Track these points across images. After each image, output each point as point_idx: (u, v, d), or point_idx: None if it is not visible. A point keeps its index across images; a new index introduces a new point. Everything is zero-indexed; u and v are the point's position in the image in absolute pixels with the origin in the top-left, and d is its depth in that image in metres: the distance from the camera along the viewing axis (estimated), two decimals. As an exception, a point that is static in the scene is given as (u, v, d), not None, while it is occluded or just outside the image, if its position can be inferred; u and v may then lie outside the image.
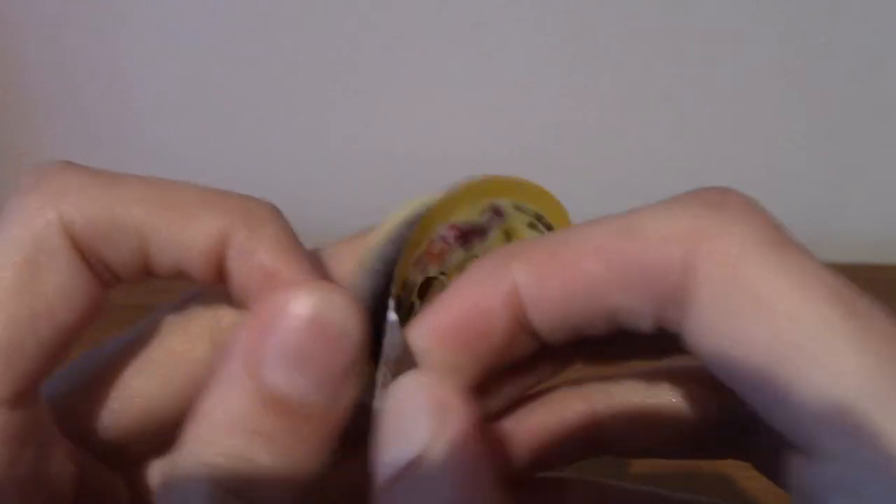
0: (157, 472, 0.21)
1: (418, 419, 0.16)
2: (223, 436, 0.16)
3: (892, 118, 0.51)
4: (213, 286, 0.18)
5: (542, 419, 0.20)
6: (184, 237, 0.17)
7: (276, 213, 0.18)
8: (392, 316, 0.18)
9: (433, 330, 0.17)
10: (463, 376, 0.17)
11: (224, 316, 0.19)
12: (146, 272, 0.18)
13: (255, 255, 0.17)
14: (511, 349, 0.18)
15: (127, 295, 0.21)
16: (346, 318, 0.16)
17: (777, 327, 0.14)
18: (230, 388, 0.16)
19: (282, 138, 0.54)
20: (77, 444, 0.19)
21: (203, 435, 0.16)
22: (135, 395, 0.19)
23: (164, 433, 0.18)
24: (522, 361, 0.19)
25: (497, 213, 0.20)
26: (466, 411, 0.16)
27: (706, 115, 0.51)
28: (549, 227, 0.21)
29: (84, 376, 0.19)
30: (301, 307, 0.16)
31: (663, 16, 0.48)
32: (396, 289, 0.19)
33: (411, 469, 0.15)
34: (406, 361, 0.18)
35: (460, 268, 0.20)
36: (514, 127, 0.52)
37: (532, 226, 0.20)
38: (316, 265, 0.18)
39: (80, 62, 0.53)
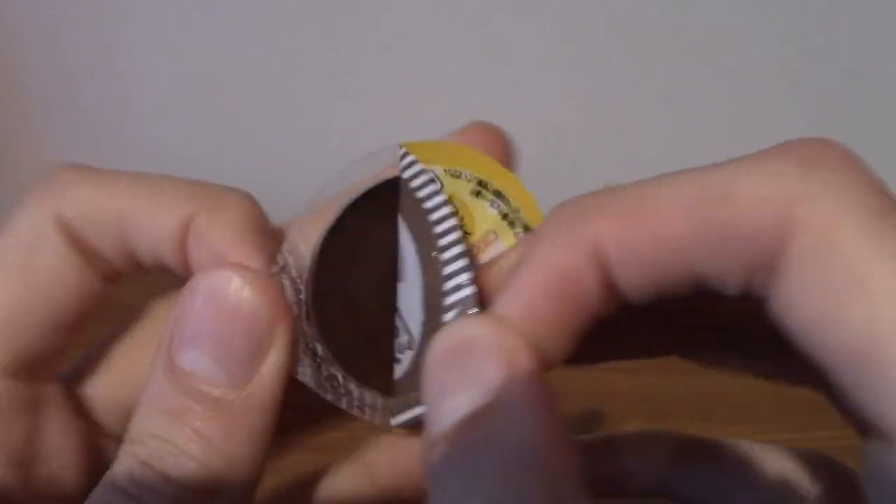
0: None
1: (488, 363, 0.15)
2: (146, 417, 0.16)
3: (893, 118, 0.51)
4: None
5: None
6: (155, 224, 0.18)
7: (242, 199, 0.19)
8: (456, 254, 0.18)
9: (520, 294, 0.16)
10: (550, 341, 0.16)
11: None
12: (133, 262, 0.19)
13: (208, 239, 0.18)
14: (595, 310, 0.17)
15: (127, 295, 0.21)
16: (245, 297, 0.16)
17: (875, 308, 0.14)
18: (152, 369, 0.17)
19: (282, 138, 0.54)
20: (93, 425, 0.20)
21: (136, 416, 0.17)
22: (132, 376, 0.20)
23: None
24: (609, 333, 0.18)
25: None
26: (535, 356, 0.16)
27: (706, 115, 0.51)
28: (499, 194, 0.19)
29: (90, 361, 0.21)
30: (201, 287, 0.16)
31: (663, 16, 0.48)
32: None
33: (483, 414, 0.15)
34: (460, 307, 0.18)
35: None
36: (514, 127, 0.52)
37: (478, 194, 0.19)
38: (270, 247, 0.19)
39: (80, 62, 0.53)
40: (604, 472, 0.22)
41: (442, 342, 0.16)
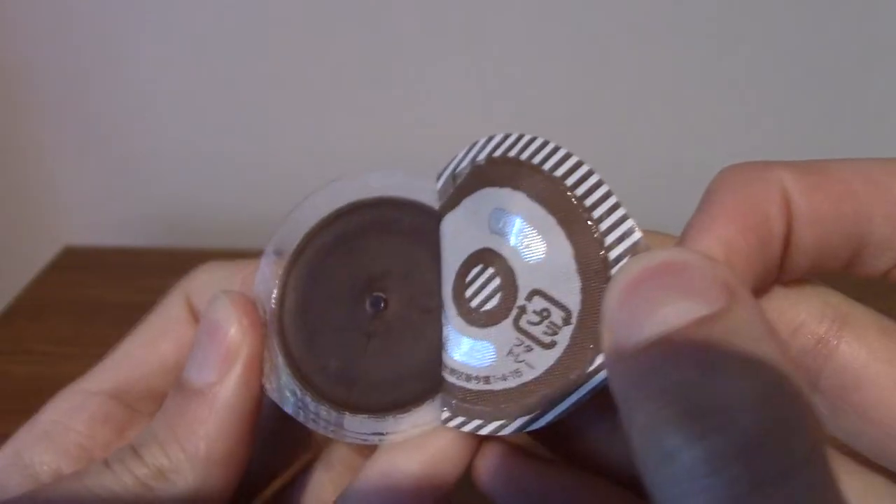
0: None
1: (703, 277, 0.14)
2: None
3: (893, 118, 0.51)
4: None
5: None
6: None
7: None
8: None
9: (714, 227, 0.16)
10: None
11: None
12: None
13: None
14: (771, 267, 0.17)
15: (126, 294, 0.21)
16: (220, 313, 0.20)
17: None
18: None
19: (282, 138, 0.54)
20: None
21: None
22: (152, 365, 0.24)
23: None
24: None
25: None
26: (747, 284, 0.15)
27: (706, 114, 0.51)
28: None
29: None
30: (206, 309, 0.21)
31: (663, 16, 0.48)
32: None
33: (712, 318, 0.14)
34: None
35: None
36: (514, 127, 0.52)
37: None
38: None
39: (84, 62, 0.53)
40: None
41: (642, 263, 0.15)
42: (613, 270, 0.17)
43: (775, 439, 0.13)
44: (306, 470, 0.24)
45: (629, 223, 0.17)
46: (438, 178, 0.20)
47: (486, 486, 0.20)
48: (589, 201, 0.18)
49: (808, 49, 0.49)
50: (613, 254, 0.17)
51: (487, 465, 0.20)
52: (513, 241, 0.19)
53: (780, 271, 0.17)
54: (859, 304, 0.18)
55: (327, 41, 0.50)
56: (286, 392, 0.20)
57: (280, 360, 0.20)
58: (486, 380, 0.18)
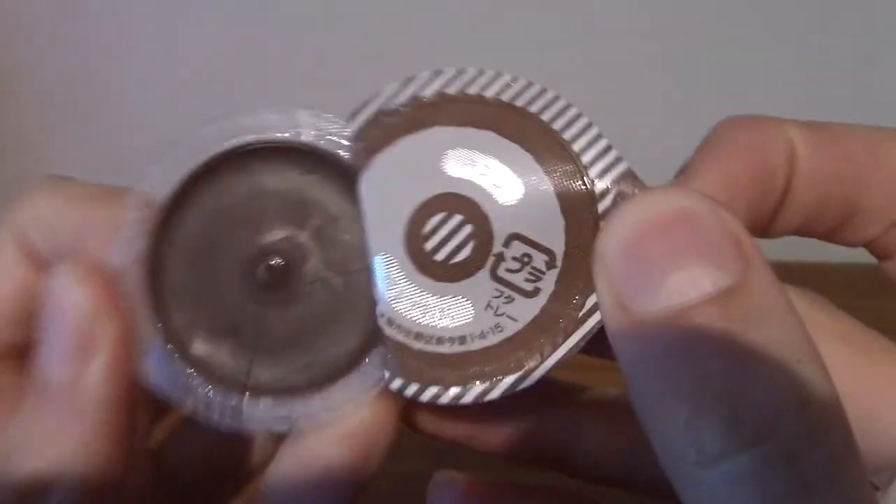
0: None
1: (723, 240, 0.13)
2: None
3: (893, 118, 0.51)
4: None
5: None
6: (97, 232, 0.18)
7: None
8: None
9: (718, 171, 0.16)
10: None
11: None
12: None
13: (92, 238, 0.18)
14: (766, 220, 0.17)
15: None
16: (68, 294, 0.16)
17: None
18: None
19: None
20: None
21: None
22: None
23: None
24: None
25: None
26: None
27: (706, 114, 0.51)
28: None
29: None
30: (46, 285, 0.17)
31: (663, 15, 0.48)
32: None
33: (736, 292, 0.13)
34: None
35: None
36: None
37: None
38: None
39: (81, 62, 0.53)
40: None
41: (648, 209, 0.14)
42: (601, 205, 0.17)
43: (819, 441, 0.12)
44: None
45: (613, 153, 0.17)
46: (352, 117, 0.18)
47: None
48: (568, 134, 0.17)
49: (809, 49, 0.49)
50: (600, 186, 0.17)
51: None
52: (484, 182, 0.17)
53: (764, 230, 0.17)
54: (829, 307, 0.17)
55: (326, 43, 0.50)
56: (169, 378, 0.17)
57: (158, 339, 0.17)
58: (462, 340, 0.17)
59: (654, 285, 0.13)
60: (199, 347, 0.18)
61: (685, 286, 0.13)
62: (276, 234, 0.18)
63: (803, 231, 0.17)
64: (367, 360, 0.17)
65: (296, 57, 0.52)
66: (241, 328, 0.18)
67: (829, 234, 0.17)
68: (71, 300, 0.16)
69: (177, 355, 0.17)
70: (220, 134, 0.18)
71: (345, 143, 0.18)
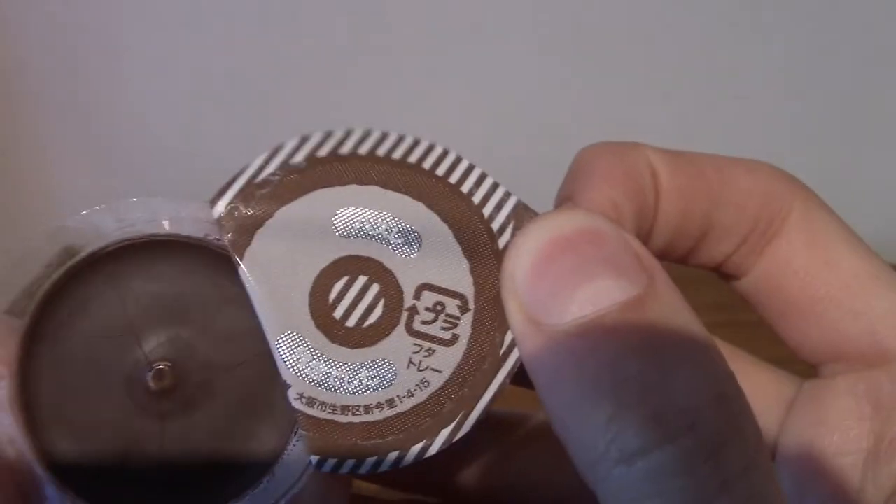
0: None
1: (625, 253, 0.14)
2: None
3: (892, 118, 0.51)
4: None
5: None
6: None
7: None
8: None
9: (601, 192, 0.16)
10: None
11: None
12: None
13: None
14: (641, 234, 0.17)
15: None
16: None
17: (859, 258, 0.18)
18: None
19: (284, 138, 0.54)
20: None
21: None
22: None
23: None
24: None
25: None
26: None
27: (706, 115, 0.51)
28: None
29: None
30: None
31: (663, 16, 0.48)
32: None
33: (641, 302, 0.14)
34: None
35: None
36: (513, 127, 0.52)
37: None
38: None
39: (81, 62, 0.53)
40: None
41: (552, 230, 0.14)
42: (501, 240, 0.16)
43: (736, 434, 0.13)
44: None
45: (502, 189, 0.17)
46: (220, 195, 0.17)
47: None
48: (453, 178, 0.17)
49: (808, 49, 0.49)
50: (496, 223, 0.17)
51: None
52: (380, 238, 0.17)
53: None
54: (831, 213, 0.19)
55: (326, 43, 0.50)
56: None
57: (40, 471, 0.15)
58: (391, 403, 0.16)
59: (566, 298, 0.14)
60: (92, 475, 0.16)
61: (597, 296, 0.14)
62: (157, 338, 0.16)
63: (667, 253, 0.18)
64: (289, 449, 0.16)
65: (297, 59, 0.52)
66: (140, 447, 0.16)
67: (688, 256, 0.18)
68: None
69: (64, 486, 0.15)
70: (78, 236, 0.16)
71: (212, 224, 0.17)
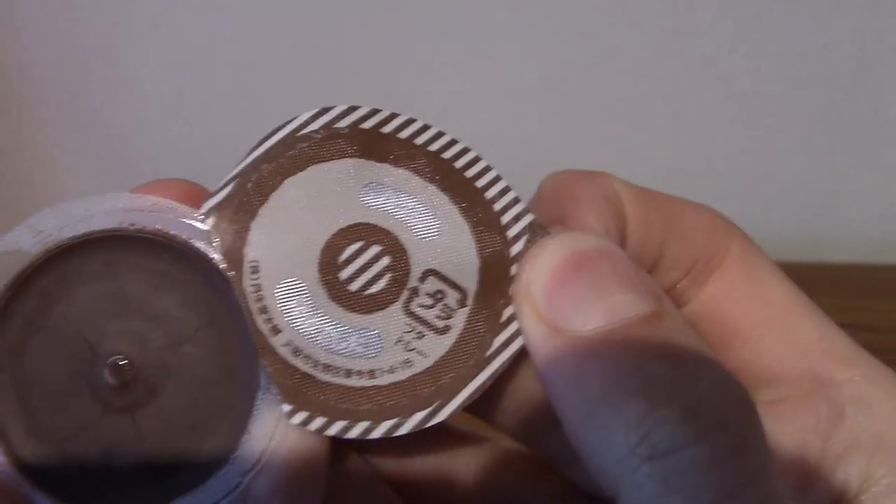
0: None
1: (639, 272, 0.15)
2: None
3: (892, 118, 0.51)
4: None
5: None
6: None
7: None
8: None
9: (595, 221, 0.17)
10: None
11: None
12: None
13: None
14: None
15: None
16: None
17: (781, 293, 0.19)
18: None
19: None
20: None
21: None
22: None
23: None
24: None
25: None
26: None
27: (706, 115, 0.51)
28: None
29: None
30: None
31: (664, 16, 0.48)
32: None
33: (657, 315, 0.15)
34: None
35: None
36: (513, 129, 0.52)
37: None
38: None
39: (81, 62, 0.53)
40: None
41: (572, 246, 0.15)
42: (513, 249, 0.17)
43: (758, 435, 0.14)
44: None
45: (521, 204, 0.17)
46: (261, 143, 0.18)
47: None
48: (480, 182, 0.18)
49: (809, 49, 0.49)
50: (511, 233, 0.17)
51: None
52: (402, 216, 0.17)
53: None
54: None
55: (326, 43, 0.50)
56: None
57: (28, 490, 0.15)
58: (371, 374, 0.16)
59: (587, 306, 0.15)
60: (60, 473, 0.16)
61: (616, 308, 0.15)
62: (106, 336, 0.16)
63: None
64: (260, 397, 0.16)
65: (298, 59, 0.52)
66: (120, 445, 0.16)
67: None
68: None
69: (34, 484, 0.16)
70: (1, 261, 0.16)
71: (126, 212, 0.17)
